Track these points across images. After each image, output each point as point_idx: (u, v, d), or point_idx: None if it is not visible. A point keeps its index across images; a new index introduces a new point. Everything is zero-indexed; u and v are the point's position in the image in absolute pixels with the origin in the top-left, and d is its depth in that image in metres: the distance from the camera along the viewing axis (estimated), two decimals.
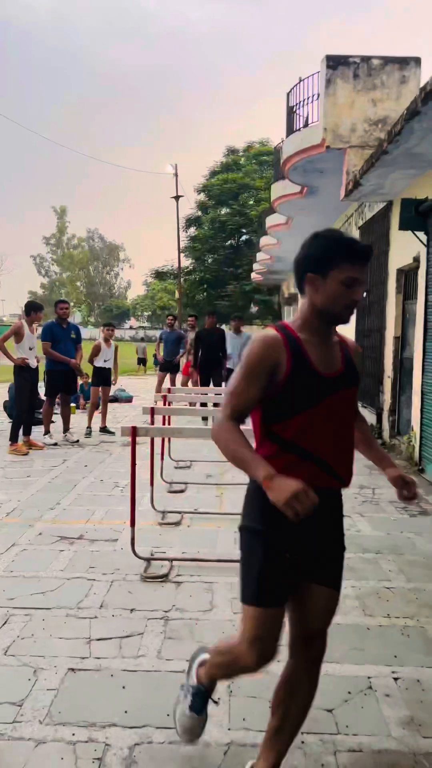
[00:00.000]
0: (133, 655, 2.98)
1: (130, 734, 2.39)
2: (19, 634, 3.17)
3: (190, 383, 12.04)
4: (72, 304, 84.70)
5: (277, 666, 2.84)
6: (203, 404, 8.65)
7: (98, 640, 3.12)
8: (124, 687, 2.72)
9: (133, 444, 4.12)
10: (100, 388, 9.57)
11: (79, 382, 10.22)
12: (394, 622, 3.37)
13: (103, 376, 9.61)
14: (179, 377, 12.92)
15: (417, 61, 8.55)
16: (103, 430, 9.47)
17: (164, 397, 6.84)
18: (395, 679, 2.81)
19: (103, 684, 2.74)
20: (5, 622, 3.29)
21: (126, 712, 2.53)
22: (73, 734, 2.38)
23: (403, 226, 7.08)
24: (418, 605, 3.59)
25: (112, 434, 9.31)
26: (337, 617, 3.37)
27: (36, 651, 3.01)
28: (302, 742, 2.35)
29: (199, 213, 36.44)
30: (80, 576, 3.92)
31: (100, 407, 9.62)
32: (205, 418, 9.66)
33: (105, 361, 9.54)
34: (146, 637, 3.16)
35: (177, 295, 34.19)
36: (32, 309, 8.14)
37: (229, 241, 35.19)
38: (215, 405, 8.87)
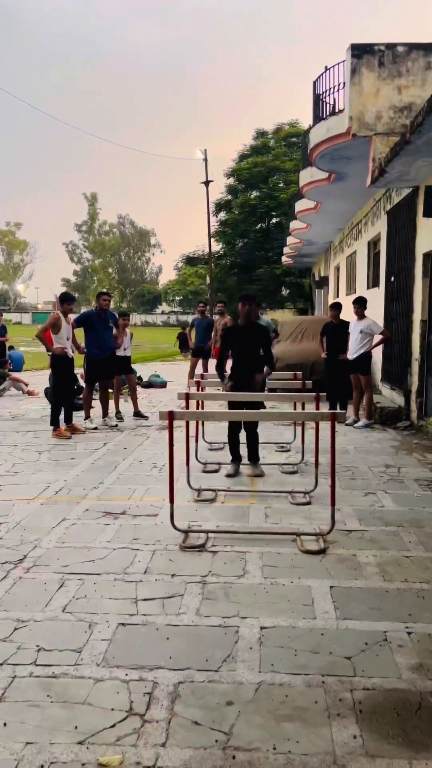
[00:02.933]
0: (175, 613, 3.37)
1: (174, 675, 2.78)
2: (74, 595, 3.60)
3: None
4: (105, 290, 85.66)
5: (304, 622, 3.22)
6: None
7: (144, 600, 3.52)
8: (168, 638, 3.11)
9: (171, 427, 4.50)
10: (122, 376, 10.08)
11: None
12: (411, 586, 3.70)
13: (124, 365, 9.92)
14: (211, 362, 13.29)
15: None
16: (137, 414, 9.90)
17: (197, 383, 7.21)
18: (408, 633, 3.15)
19: (149, 636, 3.14)
20: (61, 586, 3.72)
21: (170, 657, 2.92)
22: (126, 674, 2.79)
23: (427, 213, 7.28)
24: None
25: (146, 418, 9.74)
26: (358, 581, 3.76)
27: (90, 609, 3.42)
28: (323, 682, 2.71)
29: (229, 197, 36.53)
30: (125, 546, 4.34)
31: (128, 393, 10.20)
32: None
33: (124, 349, 9.88)
34: (186, 597, 3.55)
35: (208, 280, 34.45)
36: (65, 300, 8.57)
37: (259, 225, 35.27)
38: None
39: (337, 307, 9.84)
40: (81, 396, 9.59)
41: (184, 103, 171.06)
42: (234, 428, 6.35)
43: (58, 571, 3.94)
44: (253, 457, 6.39)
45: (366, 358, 8.96)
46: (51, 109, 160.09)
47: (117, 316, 9.75)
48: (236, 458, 6.37)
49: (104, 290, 10.42)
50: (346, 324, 9.35)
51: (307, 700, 2.60)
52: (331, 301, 20.42)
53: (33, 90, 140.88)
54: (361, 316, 8.97)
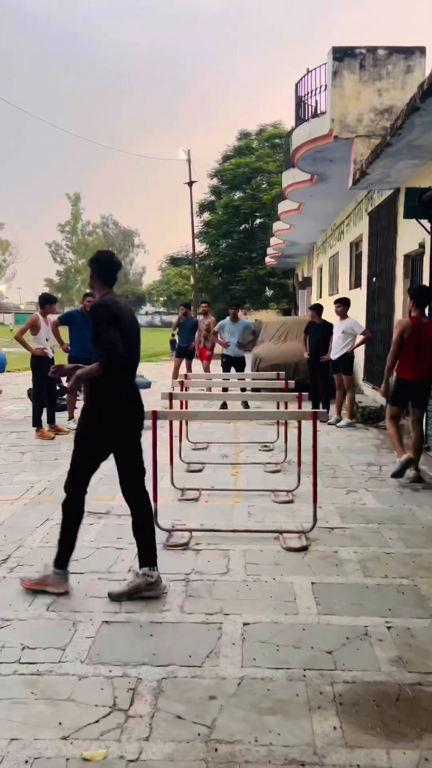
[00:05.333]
0: (159, 610, 3.40)
1: (158, 671, 2.82)
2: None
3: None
4: (88, 291, 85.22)
5: (286, 617, 3.27)
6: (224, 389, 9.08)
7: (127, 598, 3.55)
8: (151, 635, 3.14)
9: (154, 427, 4.53)
10: None
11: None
12: (391, 582, 3.76)
13: None
14: (195, 363, 13.33)
15: (422, 50, 8.77)
16: None
17: (181, 383, 7.25)
18: (388, 627, 3.21)
19: (133, 633, 3.17)
20: None
21: (154, 654, 2.96)
22: (110, 671, 2.82)
23: (407, 215, 7.36)
24: (414, 567, 3.97)
25: None
26: (339, 577, 3.81)
27: (74, 607, 3.44)
28: (304, 676, 2.76)
29: (213, 198, 36.61)
30: (109, 545, 4.36)
31: None
32: (224, 405, 10.06)
33: None
34: (170, 595, 3.58)
35: (192, 281, 34.49)
36: (46, 302, 8.58)
37: (242, 226, 35.39)
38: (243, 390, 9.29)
39: (316, 308, 9.95)
40: (65, 396, 9.58)
41: (168, 103, 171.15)
42: None
43: (41, 570, 3.94)
44: None
45: (348, 358, 9.04)
46: (33, 108, 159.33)
47: None
48: None
49: (88, 291, 10.36)
50: (329, 324, 9.43)
51: (288, 693, 2.65)
52: (314, 301, 20.57)
53: (15, 88, 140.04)
54: (343, 316, 9.05)
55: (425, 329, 5.95)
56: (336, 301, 9.26)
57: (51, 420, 8.57)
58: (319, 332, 9.54)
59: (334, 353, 9.11)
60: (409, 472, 5.96)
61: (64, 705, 2.58)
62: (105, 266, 3.72)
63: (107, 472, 6.34)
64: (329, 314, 9.93)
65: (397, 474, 5.89)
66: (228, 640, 3.07)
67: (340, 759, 2.26)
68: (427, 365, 5.96)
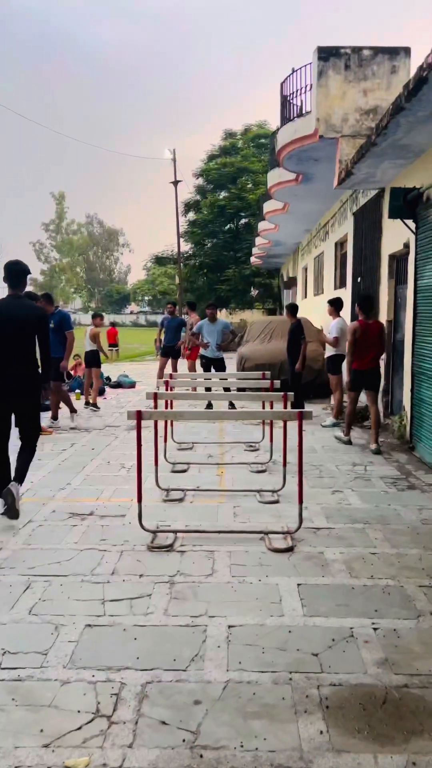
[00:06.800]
0: (143, 613, 3.35)
1: (142, 675, 2.77)
2: (41, 597, 3.55)
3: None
4: (73, 289, 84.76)
5: (272, 619, 3.24)
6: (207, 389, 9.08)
7: (111, 601, 3.50)
8: (135, 638, 3.09)
9: (139, 427, 4.48)
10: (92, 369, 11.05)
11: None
12: (377, 583, 3.75)
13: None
14: (181, 363, 13.27)
15: (407, 51, 8.76)
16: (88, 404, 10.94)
17: (166, 383, 7.20)
18: (375, 629, 3.19)
19: (117, 636, 3.12)
20: (27, 587, 3.67)
21: (138, 658, 2.91)
22: (93, 676, 2.76)
23: (392, 215, 7.37)
24: (399, 568, 3.96)
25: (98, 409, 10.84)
26: (325, 578, 3.78)
27: (56, 611, 3.38)
28: (290, 679, 2.73)
29: (198, 197, 36.50)
30: (92, 547, 4.30)
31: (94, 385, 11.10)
32: (210, 405, 10.02)
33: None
34: (154, 597, 3.54)
35: (177, 280, 34.40)
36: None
37: (228, 225, 35.29)
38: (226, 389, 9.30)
39: (290, 307, 10.12)
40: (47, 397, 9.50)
41: (153, 102, 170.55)
42: None
43: (24, 573, 3.88)
44: None
45: (333, 358, 9.07)
46: (16, 106, 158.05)
47: (65, 315, 9.47)
48: None
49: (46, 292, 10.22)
50: (298, 324, 9.69)
51: (274, 697, 2.61)
52: (300, 301, 20.61)
53: None
54: (334, 315, 9.14)
55: (370, 329, 7.48)
56: (327, 301, 9.43)
57: None
58: (293, 333, 9.66)
59: (327, 353, 9.31)
60: (371, 446, 7.34)
61: (46, 711, 2.52)
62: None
63: (91, 471, 6.32)
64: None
65: (341, 440, 7.83)
66: (213, 643, 3.03)
67: (327, 764, 2.23)
68: (372, 357, 7.51)
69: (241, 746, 2.32)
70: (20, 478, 5.04)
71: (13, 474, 5.07)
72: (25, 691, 2.66)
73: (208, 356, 10.62)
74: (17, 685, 2.70)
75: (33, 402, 5.11)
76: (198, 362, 12.11)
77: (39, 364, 5.14)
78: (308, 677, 2.75)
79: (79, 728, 2.42)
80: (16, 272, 5.05)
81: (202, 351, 10.94)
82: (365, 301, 7.63)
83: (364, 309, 7.52)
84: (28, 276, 5.25)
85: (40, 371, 5.12)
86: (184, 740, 2.35)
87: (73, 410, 9.23)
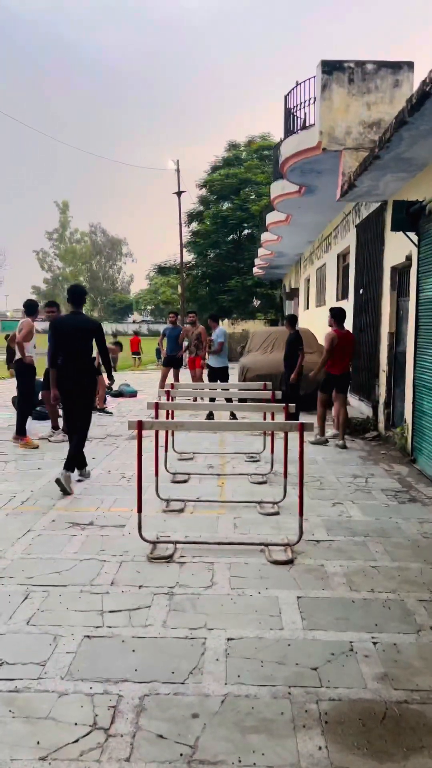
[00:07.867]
0: (142, 624, 3.34)
1: (140, 687, 2.75)
2: (39, 607, 3.54)
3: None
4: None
5: (271, 633, 3.22)
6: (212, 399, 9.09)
7: (110, 612, 3.48)
8: (134, 650, 3.08)
9: (140, 437, 4.47)
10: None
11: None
12: (377, 596, 3.73)
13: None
14: (183, 373, 13.28)
15: (410, 65, 8.83)
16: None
17: (167, 393, 7.19)
18: (374, 643, 3.17)
19: (115, 648, 3.10)
20: (26, 598, 3.65)
21: (136, 670, 2.89)
22: (91, 688, 2.75)
23: (395, 227, 7.39)
24: (400, 581, 3.94)
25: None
26: (325, 591, 3.76)
27: (55, 621, 3.37)
28: (289, 693, 2.71)
29: (201, 208, 36.64)
30: (92, 557, 4.29)
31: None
32: (211, 415, 10.02)
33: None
34: (153, 609, 3.52)
35: (180, 290, 34.49)
36: (36, 308, 8.53)
37: (231, 236, 35.40)
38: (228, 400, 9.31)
39: (289, 318, 10.19)
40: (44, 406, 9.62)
41: (156, 111, 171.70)
42: None
43: (22, 582, 3.87)
44: None
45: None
46: (21, 115, 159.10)
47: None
48: None
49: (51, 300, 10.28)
50: (297, 335, 9.72)
51: (272, 711, 2.59)
52: (301, 312, 20.64)
53: (2, 96, 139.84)
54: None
55: (345, 338, 8.51)
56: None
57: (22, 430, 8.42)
58: (290, 344, 9.69)
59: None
60: (338, 442, 8.35)
61: (43, 723, 2.51)
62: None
63: (91, 481, 6.31)
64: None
65: (317, 443, 8.43)
66: (212, 656, 3.02)
67: None
68: (346, 363, 8.60)
69: (239, 761, 2.30)
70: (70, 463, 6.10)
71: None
72: (23, 702, 2.64)
73: (213, 366, 10.67)
74: (14, 697, 2.68)
75: (87, 395, 6.30)
76: (205, 372, 12.09)
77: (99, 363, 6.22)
78: (307, 691, 2.73)
79: (76, 741, 2.40)
80: (80, 293, 6.37)
81: (206, 360, 10.96)
82: (340, 312, 8.67)
83: (339, 320, 8.57)
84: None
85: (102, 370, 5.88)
86: (181, 754, 2.33)
87: (55, 426, 9.06)
